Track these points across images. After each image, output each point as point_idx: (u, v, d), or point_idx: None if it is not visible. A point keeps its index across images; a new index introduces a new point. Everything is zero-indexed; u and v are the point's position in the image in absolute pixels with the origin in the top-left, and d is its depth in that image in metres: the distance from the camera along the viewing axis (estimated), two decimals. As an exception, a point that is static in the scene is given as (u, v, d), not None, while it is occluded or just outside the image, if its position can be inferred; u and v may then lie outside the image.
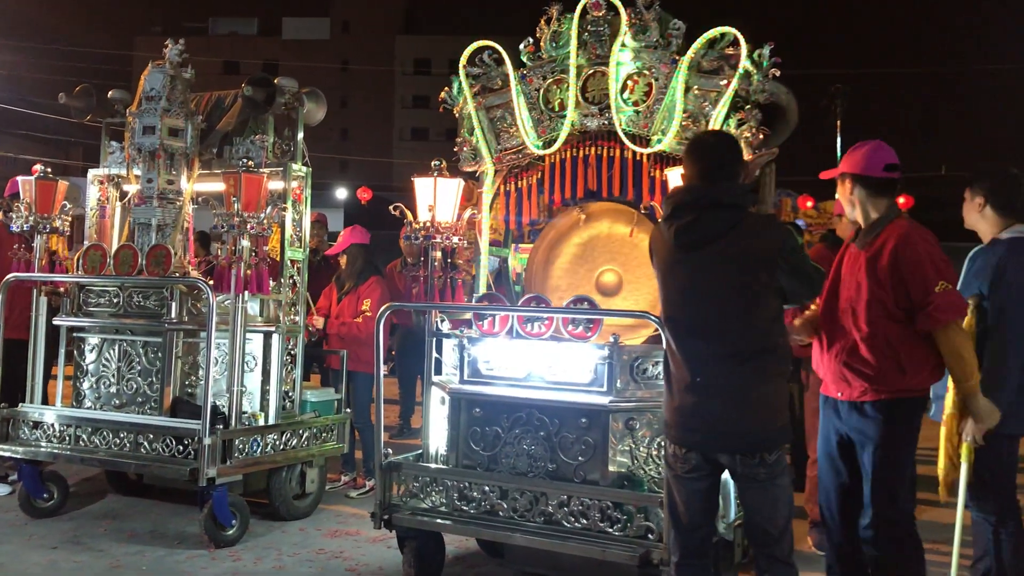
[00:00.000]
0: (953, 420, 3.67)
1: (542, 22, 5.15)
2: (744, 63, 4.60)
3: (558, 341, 4.42)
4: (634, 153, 4.92)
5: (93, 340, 5.58)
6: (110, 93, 6.02)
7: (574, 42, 4.99)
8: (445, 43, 52.98)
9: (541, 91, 5.14)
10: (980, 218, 3.88)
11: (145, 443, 5.14)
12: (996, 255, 3.72)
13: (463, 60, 5.25)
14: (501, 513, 4.31)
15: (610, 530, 4.01)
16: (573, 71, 5.00)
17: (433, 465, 4.65)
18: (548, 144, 5.09)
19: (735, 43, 4.67)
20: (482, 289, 5.28)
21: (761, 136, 4.55)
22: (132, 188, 5.72)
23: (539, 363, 4.46)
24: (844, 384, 3.51)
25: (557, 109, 5.08)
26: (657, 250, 3.37)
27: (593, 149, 5.10)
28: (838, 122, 20.99)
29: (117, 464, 5.38)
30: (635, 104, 4.90)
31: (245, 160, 5.13)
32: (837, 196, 3.81)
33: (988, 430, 3.59)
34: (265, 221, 5.07)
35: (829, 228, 5.64)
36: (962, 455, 3.68)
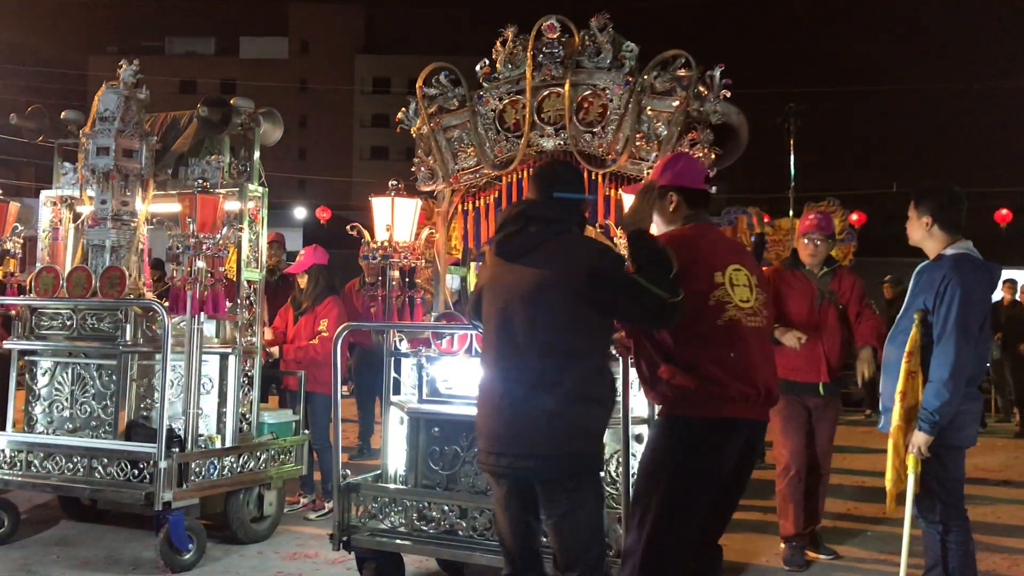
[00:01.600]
0: (900, 432, 3.75)
1: (498, 43, 5.21)
2: (695, 84, 4.70)
3: None
4: (590, 173, 4.96)
5: (45, 363, 5.47)
6: (63, 114, 5.94)
7: (529, 63, 5.05)
8: (404, 62, 53.05)
9: (497, 111, 5.18)
10: (927, 236, 3.96)
11: (99, 467, 5.06)
12: (941, 271, 3.82)
13: (419, 81, 5.28)
14: (461, 532, 4.32)
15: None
16: (528, 92, 5.05)
17: (392, 486, 4.63)
18: (505, 164, 5.12)
19: (687, 65, 4.77)
20: (440, 308, 5.30)
21: (713, 156, 4.63)
22: (86, 209, 5.65)
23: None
24: None
25: (513, 129, 5.14)
26: (484, 265, 3.40)
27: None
28: (791, 140, 21.33)
29: (71, 489, 5.28)
30: (590, 125, 4.97)
31: (201, 180, 5.10)
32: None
33: (934, 442, 3.68)
34: (221, 242, 5.04)
35: (793, 248, 5.72)
36: (909, 467, 3.76)
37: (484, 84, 5.24)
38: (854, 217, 14.14)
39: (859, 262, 10.02)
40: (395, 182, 5.13)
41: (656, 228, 3.46)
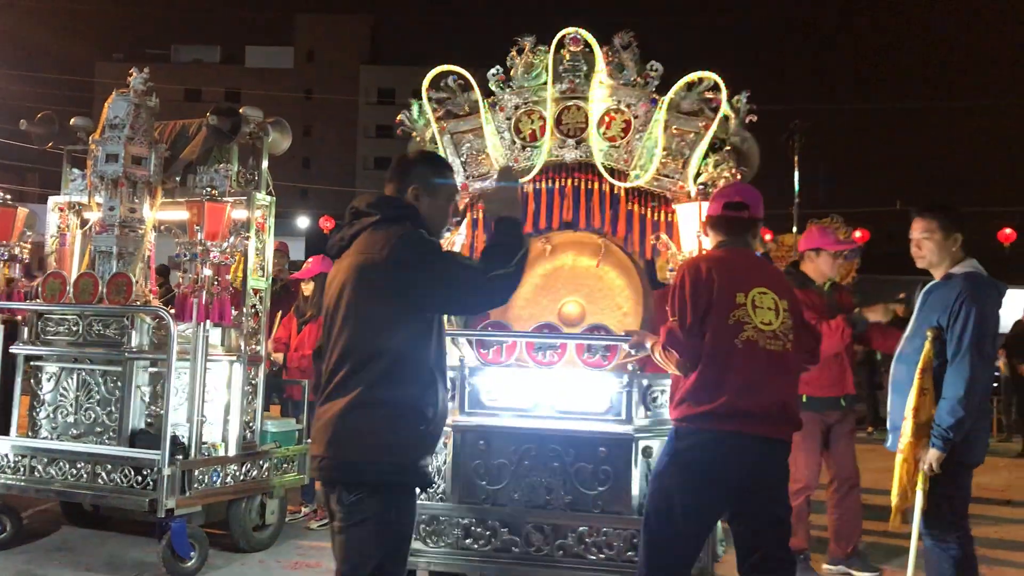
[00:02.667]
0: (912, 448, 3.74)
1: (514, 51, 5.17)
2: (724, 108, 4.76)
3: (572, 369, 4.38)
4: (612, 186, 4.99)
5: (51, 369, 5.45)
6: (72, 120, 5.96)
7: (550, 75, 5.01)
8: (409, 73, 53.21)
9: (512, 120, 5.14)
10: (948, 254, 3.90)
11: (103, 473, 5.04)
12: (954, 289, 3.81)
13: (426, 83, 5.24)
14: (515, 549, 4.21)
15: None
16: (550, 103, 5.03)
17: (431, 502, 4.41)
18: (523, 173, 5.06)
19: (715, 87, 4.83)
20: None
21: (738, 176, 4.71)
22: (93, 216, 5.67)
23: (548, 392, 4.37)
24: None
25: (528, 139, 5.11)
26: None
27: (570, 180, 5.12)
28: (796, 157, 21.38)
29: (73, 495, 5.26)
30: (611, 139, 4.99)
31: (209, 189, 5.12)
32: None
33: (945, 458, 3.68)
34: (228, 250, 5.06)
35: (792, 262, 5.74)
36: (918, 483, 3.76)
37: (497, 91, 5.18)
38: (857, 234, 14.15)
39: (861, 279, 10.02)
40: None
41: None
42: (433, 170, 3.11)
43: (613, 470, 4.20)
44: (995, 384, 12.07)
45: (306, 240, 26.36)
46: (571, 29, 5.01)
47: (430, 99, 5.25)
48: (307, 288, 6.81)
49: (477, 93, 5.16)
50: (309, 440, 5.99)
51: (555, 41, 5.02)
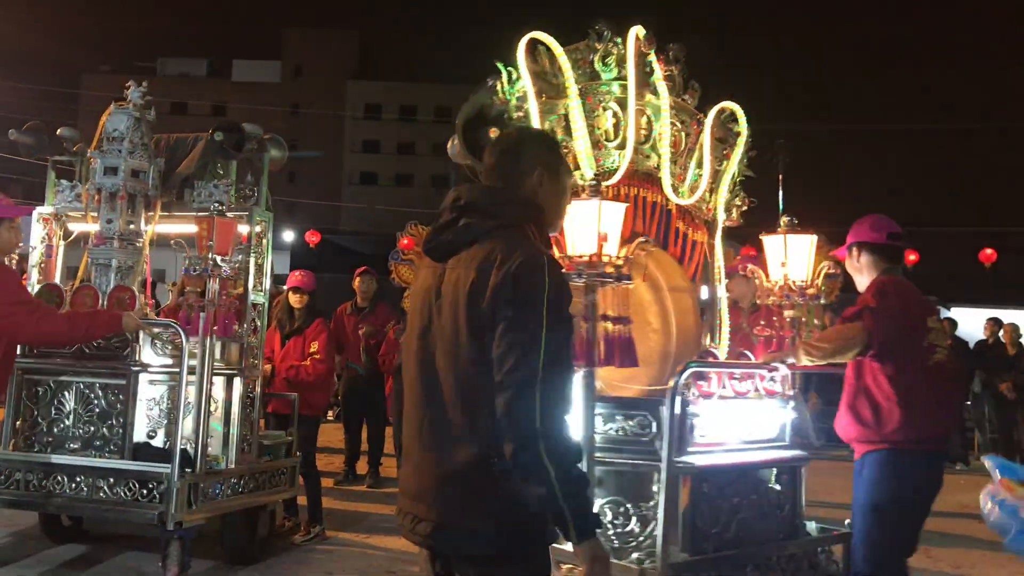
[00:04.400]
0: None
1: (591, 36, 4.59)
2: (744, 137, 4.94)
3: (760, 398, 4.32)
4: (666, 201, 4.78)
5: (49, 382, 5.32)
6: (59, 131, 5.93)
7: (632, 71, 4.50)
8: (396, 89, 53.45)
9: (595, 114, 4.56)
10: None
11: (105, 487, 4.97)
12: None
13: (522, 47, 4.34)
14: None
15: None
16: (632, 104, 4.51)
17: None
18: (606, 175, 4.48)
19: (735, 120, 4.96)
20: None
21: (748, 204, 4.91)
22: (78, 227, 5.68)
23: (739, 423, 4.23)
24: None
25: (605, 137, 4.58)
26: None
27: (639, 190, 4.69)
28: (780, 176, 21.56)
29: (74, 509, 5.20)
30: (673, 154, 4.78)
31: (217, 204, 5.15)
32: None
33: None
34: (237, 265, 5.11)
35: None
36: None
37: (579, 78, 4.50)
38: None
39: (843, 298, 10.07)
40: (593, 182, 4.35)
41: (862, 284, 3.97)
42: (554, 150, 2.55)
43: (790, 493, 4.37)
44: (967, 402, 12.23)
45: (291, 254, 26.33)
46: (640, 29, 4.53)
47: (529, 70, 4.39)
48: (295, 298, 6.87)
49: (569, 74, 4.40)
50: (298, 453, 6.07)
51: (632, 34, 4.52)
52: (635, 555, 3.88)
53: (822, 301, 4.70)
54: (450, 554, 2.30)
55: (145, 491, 4.93)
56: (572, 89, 4.41)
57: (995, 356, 12.11)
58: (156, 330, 5.15)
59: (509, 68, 4.39)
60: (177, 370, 5.05)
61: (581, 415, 3.83)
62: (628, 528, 4.00)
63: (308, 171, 52.09)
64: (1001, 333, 12.29)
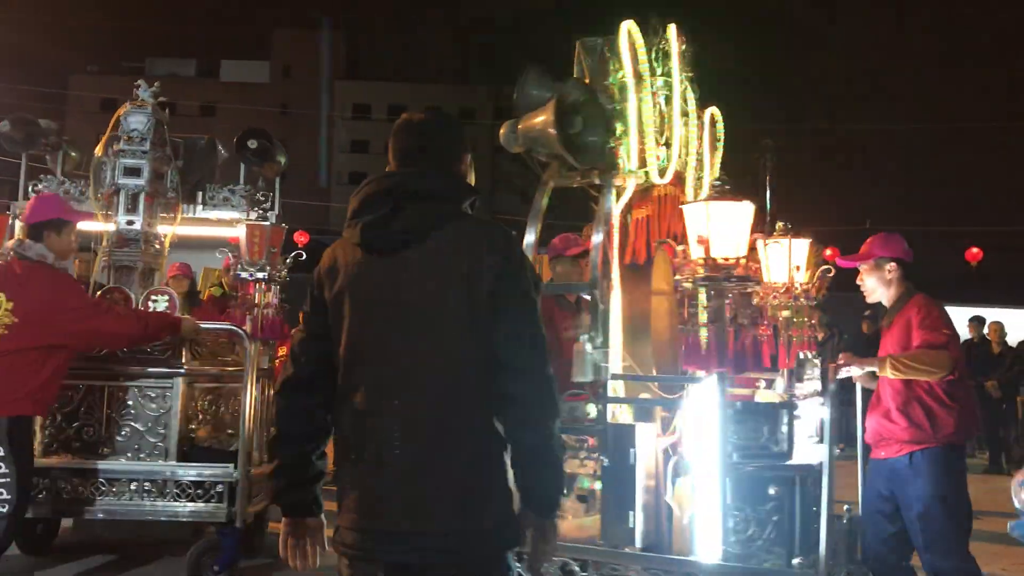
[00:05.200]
0: None
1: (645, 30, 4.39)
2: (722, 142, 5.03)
3: None
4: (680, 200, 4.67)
5: (89, 385, 5.13)
6: (42, 123, 5.89)
7: (675, 64, 4.39)
8: (385, 89, 53.46)
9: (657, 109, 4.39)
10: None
11: (155, 490, 4.93)
12: None
13: (629, 29, 4.17)
14: None
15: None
16: (677, 102, 4.42)
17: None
18: (660, 173, 4.39)
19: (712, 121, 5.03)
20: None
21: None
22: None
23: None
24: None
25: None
26: (339, 264, 2.35)
27: (675, 190, 4.65)
28: (767, 176, 21.71)
29: (129, 514, 5.06)
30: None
31: (260, 211, 5.30)
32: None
33: None
34: (284, 270, 5.28)
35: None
36: None
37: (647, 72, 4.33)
38: (828, 252, 14.43)
39: (830, 297, 10.18)
40: (719, 181, 4.41)
41: (881, 297, 4.47)
42: (464, 134, 2.52)
43: None
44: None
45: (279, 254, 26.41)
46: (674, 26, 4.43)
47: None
48: None
49: (646, 64, 4.24)
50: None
51: (672, 30, 4.43)
52: (758, 557, 3.87)
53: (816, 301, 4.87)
54: (437, 564, 2.19)
55: (201, 491, 4.95)
56: (647, 85, 4.27)
57: (980, 355, 12.30)
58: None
59: (609, 56, 4.26)
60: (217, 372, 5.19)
61: (716, 420, 3.75)
62: (749, 532, 3.89)
63: (297, 171, 52.06)
64: (987, 331, 12.49)
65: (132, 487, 4.91)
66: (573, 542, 3.84)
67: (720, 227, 4.04)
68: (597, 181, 4.29)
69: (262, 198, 5.83)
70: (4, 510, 4.22)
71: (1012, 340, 12.62)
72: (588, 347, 3.92)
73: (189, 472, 4.96)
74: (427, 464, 2.19)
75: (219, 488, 4.91)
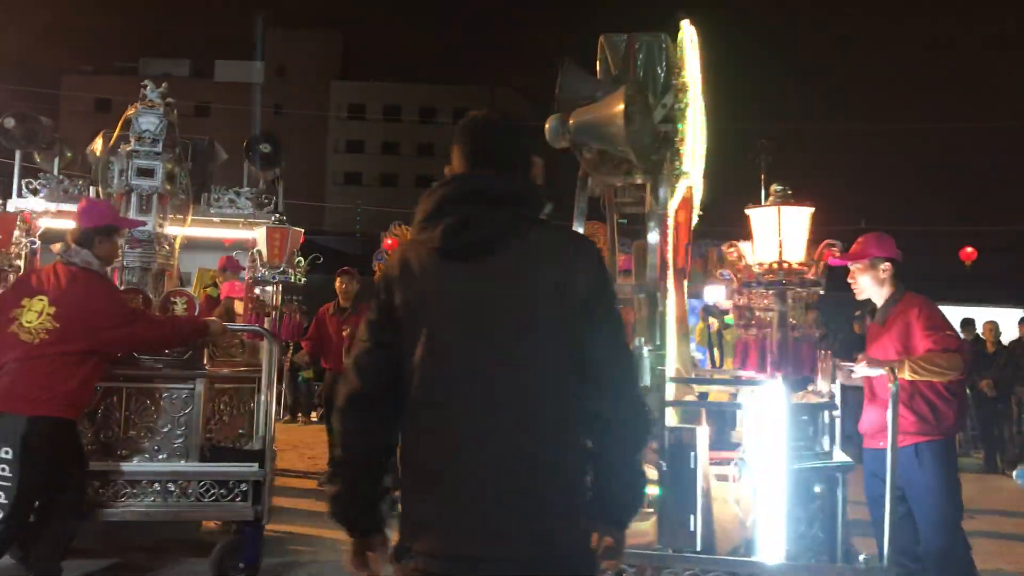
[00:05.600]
0: None
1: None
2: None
3: None
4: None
5: (112, 387, 5.05)
6: (41, 119, 5.92)
7: (699, 74, 4.27)
8: (380, 89, 53.48)
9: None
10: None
11: (177, 491, 4.96)
12: None
13: (690, 38, 4.11)
14: None
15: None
16: (699, 105, 4.36)
17: None
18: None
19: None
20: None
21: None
22: (45, 223, 5.67)
23: None
24: None
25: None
26: (413, 269, 2.19)
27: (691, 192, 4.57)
28: (762, 175, 21.79)
29: (155, 516, 5.05)
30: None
31: (278, 216, 5.37)
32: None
33: None
34: (302, 276, 5.41)
35: None
36: None
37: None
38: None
39: (823, 297, 10.21)
40: (780, 187, 4.29)
41: (873, 295, 4.63)
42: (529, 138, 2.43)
43: None
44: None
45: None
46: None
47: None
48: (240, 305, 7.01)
49: (696, 67, 4.14)
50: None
51: (689, 35, 4.31)
52: (806, 555, 3.88)
53: (821, 291, 4.47)
54: None
55: (224, 491, 5.00)
56: (696, 87, 4.19)
57: (975, 354, 12.36)
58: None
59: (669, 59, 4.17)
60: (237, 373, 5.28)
61: (785, 422, 3.78)
62: (800, 531, 3.87)
63: (292, 171, 51.97)
64: (981, 331, 12.54)
65: (155, 487, 4.93)
66: (628, 548, 3.81)
67: (791, 231, 4.13)
68: (639, 180, 4.24)
69: (266, 200, 5.89)
70: None
71: (1005, 340, 12.68)
72: (645, 351, 3.82)
73: (215, 472, 5.01)
74: (520, 486, 2.04)
75: (243, 487, 4.99)
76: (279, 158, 5.73)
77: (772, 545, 3.70)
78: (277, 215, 5.36)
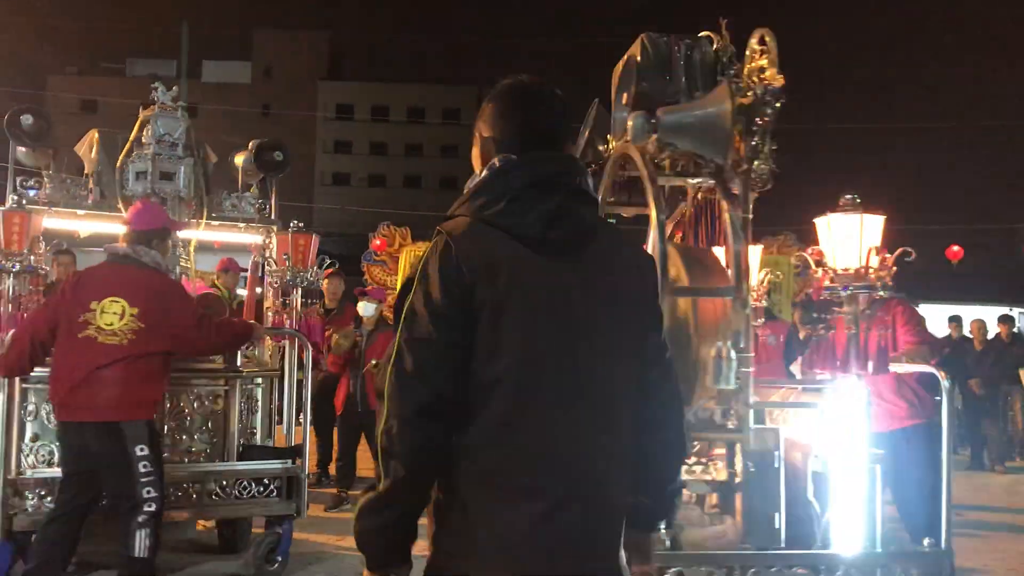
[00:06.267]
0: None
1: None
2: None
3: None
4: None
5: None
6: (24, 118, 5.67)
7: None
8: (367, 89, 53.42)
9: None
10: None
11: (217, 489, 5.04)
12: None
13: (771, 40, 3.95)
14: None
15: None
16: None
17: None
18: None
19: None
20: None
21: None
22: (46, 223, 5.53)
23: None
24: None
25: None
26: (498, 259, 1.86)
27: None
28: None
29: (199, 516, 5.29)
30: None
31: (296, 223, 5.55)
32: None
33: None
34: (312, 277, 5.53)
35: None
36: None
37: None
38: (809, 251, 14.54)
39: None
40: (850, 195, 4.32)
41: None
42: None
43: None
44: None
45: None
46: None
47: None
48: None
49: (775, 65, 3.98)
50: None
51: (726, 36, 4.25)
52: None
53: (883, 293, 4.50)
54: None
55: (261, 488, 5.12)
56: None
57: (961, 352, 12.50)
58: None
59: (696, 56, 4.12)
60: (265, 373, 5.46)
61: (863, 418, 3.96)
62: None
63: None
64: (968, 330, 12.67)
65: (195, 487, 4.99)
66: (712, 550, 3.79)
67: (868, 238, 4.31)
68: (711, 182, 4.19)
69: (261, 204, 5.96)
70: (153, 508, 4.29)
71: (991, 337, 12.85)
72: (732, 353, 3.79)
73: (253, 470, 5.13)
74: (613, 501, 1.92)
75: (277, 483, 5.13)
76: (286, 165, 5.81)
77: (849, 537, 3.91)
78: (295, 222, 5.48)
